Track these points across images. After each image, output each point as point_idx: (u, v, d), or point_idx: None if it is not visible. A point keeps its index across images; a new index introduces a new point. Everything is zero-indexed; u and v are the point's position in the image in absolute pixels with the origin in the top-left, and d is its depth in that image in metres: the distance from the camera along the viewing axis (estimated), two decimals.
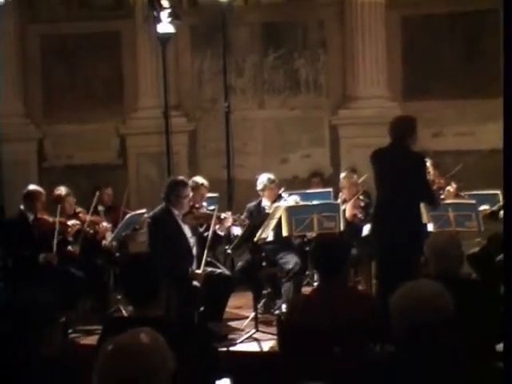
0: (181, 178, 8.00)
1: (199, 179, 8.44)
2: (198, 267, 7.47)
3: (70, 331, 7.61)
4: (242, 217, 8.39)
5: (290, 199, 8.40)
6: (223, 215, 8.01)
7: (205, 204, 8.30)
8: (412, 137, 7.27)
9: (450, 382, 2.97)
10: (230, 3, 9.89)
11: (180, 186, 7.66)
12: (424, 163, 7.54)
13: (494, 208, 8.31)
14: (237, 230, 8.24)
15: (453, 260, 4.95)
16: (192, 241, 7.64)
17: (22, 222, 8.19)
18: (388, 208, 7.32)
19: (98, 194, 8.83)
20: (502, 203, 8.29)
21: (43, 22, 11.90)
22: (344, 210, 8.46)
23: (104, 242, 8.66)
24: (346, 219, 8.45)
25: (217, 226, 7.86)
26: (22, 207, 8.26)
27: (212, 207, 8.15)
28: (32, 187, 8.49)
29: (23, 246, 8.01)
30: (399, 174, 7.21)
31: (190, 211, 7.76)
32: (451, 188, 8.62)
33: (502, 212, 8.17)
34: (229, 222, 8.04)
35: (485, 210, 8.22)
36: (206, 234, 7.78)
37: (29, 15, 11.91)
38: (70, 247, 8.29)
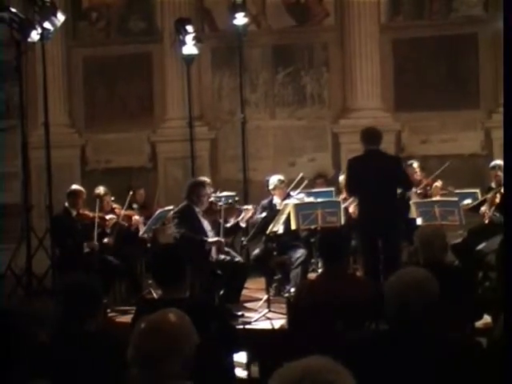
0: (200, 179, 7.99)
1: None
2: (217, 252, 7.49)
3: (108, 311, 7.62)
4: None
5: (298, 197, 8.38)
6: (245, 206, 8.07)
7: (223, 199, 8.31)
8: (380, 143, 7.44)
9: (436, 354, 2.95)
10: (245, 28, 9.90)
11: (200, 186, 7.65)
12: (400, 160, 7.85)
13: (475, 203, 8.34)
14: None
15: (438, 249, 4.93)
16: (211, 234, 7.63)
17: (66, 216, 8.22)
18: (372, 205, 7.30)
19: (131, 193, 8.84)
20: (480, 200, 8.31)
21: (86, 47, 11.91)
22: (345, 207, 8.41)
23: (140, 234, 8.66)
24: (347, 214, 8.41)
25: (239, 218, 7.95)
26: (66, 204, 8.29)
27: (230, 201, 8.20)
28: (74, 187, 8.51)
29: (68, 237, 8.04)
30: (381, 173, 7.20)
31: (209, 207, 7.76)
32: (438, 184, 8.68)
33: (482, 208, 8.17)
34: (249, 213, 8.06)
35: (468, 204, 8.24)
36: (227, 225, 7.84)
37: (74, 41, 11.93)
38: (105, 239, 8.30)
